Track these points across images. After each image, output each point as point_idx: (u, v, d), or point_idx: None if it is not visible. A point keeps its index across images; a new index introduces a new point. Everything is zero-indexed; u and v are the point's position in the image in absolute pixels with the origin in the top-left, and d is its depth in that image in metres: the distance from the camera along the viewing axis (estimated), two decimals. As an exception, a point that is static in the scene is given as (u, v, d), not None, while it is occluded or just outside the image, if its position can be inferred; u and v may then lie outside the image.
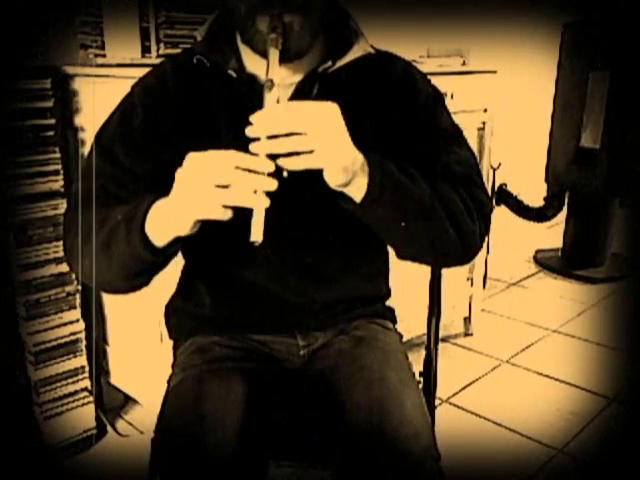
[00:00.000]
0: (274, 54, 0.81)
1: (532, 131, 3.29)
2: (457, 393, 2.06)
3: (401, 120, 0.95)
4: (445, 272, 1.17)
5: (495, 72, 2.22)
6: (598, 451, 1.76)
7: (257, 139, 0.74)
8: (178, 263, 1.00)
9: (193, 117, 0.93)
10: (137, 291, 0.93)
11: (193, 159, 0.76)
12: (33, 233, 1.56)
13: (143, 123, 0.93)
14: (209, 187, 0.74)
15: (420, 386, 1.07)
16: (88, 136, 1.66)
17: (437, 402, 1.81)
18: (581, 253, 3.18)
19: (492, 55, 2.69)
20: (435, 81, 1.02)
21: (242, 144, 0.75)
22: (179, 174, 0.77)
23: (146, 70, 0.99)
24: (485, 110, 2.22)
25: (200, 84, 0.94)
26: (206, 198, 0.74)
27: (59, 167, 1.59)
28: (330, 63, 0.92)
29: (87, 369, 1.73)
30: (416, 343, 1.96)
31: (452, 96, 2.04)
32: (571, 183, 3.10)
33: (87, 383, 1.73)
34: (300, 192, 0.86)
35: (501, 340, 2.43)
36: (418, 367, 1.11)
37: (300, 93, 0.92)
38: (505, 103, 2.48)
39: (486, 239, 0.97)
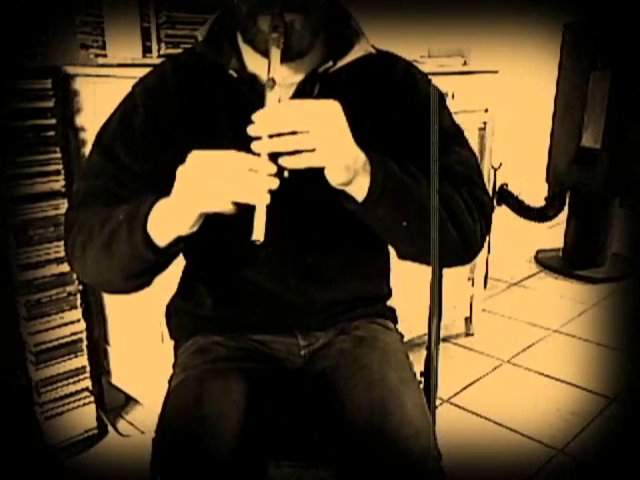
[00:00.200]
0: (275, 53, 0.82)
1: (533, 131, 3.29)
2: (458, 393, 2.06)
3: (402, 120, 0.95)
4: (446, 272, 1.16)
5: (496, 72, 2.22)
6: (598, 451, 1.76)
7: (259, 138, 0.75)
8: (179, 263, 1.00)
9: (194, 117, 0.93)
10: (138, 292, 0.93)
11: (195, 157, 0.77)
12: (34, 233, 1.57)
13: (144, 123, 0.93)
14: (213, 179, 0.74)
15: (421, 386, 1.07)
16: (89, 136, 1.66)
17: (438, 402, 1.81)
18: (582, 253, 3.18)
19: (493, 55, 2.69)
20: (436, 81, 1.02)
21: (243, 143, 0.75)
22: (180, 171, 0.78)
23: (147, 70, 0.99)
24: (486, 110, 2.22)
25: (201, 84, 0.94)
26: (212, 189, 0.75)
27: (60, 167, 1.59)
28: (331, 63, 0.92)
29: (88, 369, 1.73)
30: (417, 343, 1.96)
31: (453, 96, 2.04)
32: (572, 183, 3.10)
33: (88, 383, 1.73)
34: (301, 191, 0.86)
35: (502, 340, 2.43)
36: (419, 367, 1.11)
37: (301, 93, 0.92)
38: (506, 103, 2.48)
39: (487, 239, 0.97)
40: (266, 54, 0.83)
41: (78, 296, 1.67)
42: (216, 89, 0.93)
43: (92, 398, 1.75)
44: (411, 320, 1.69)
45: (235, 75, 0.92)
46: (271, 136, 0.74)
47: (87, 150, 0.97)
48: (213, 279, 1.03)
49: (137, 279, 0.89)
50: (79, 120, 1.69)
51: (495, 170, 2.52)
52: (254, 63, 0.93)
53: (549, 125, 3.14)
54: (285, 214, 0.82)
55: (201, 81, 0.94)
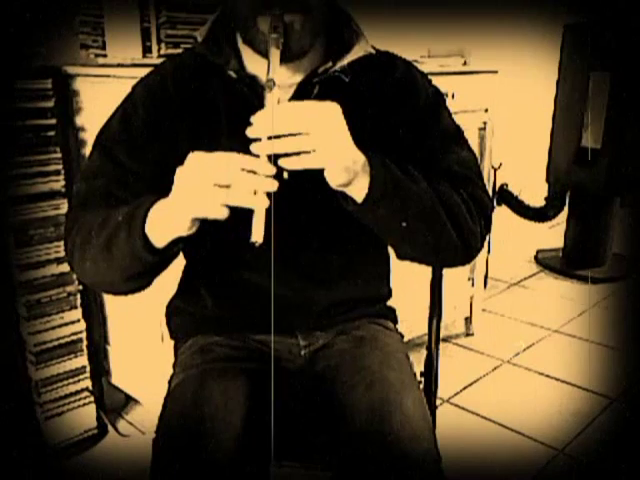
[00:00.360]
0: (275, 54, 0.81)
1: (533, 131, 3.28)
2: (458, 393, 2.06)
3: (402, 120, 0.95)
4: (446, 272, 1.17)
5: (496, 72, 2.22)
6: (599, 451, 1.76)
7: (258, 139, 0.74)
8: (179, 263, 1.00)
9: (194, 117, 0.93)
10: (138, 292, 0.93)
11: (194, 158, 0.76)
12: (34, 233, 1.57)
13: (144, 123, 0.93)
14: (209, 186, 0.74)
15: (421, 386, 1.07)
16: (89, 136, 1.66)
17: (438, 402, 1.81)
18: (582, 253, 3.18)
19: (493, 55, 2.69)
20: (436, 81, 1.02)
21: (243, 144, 0.75)
22: (179, 173, 0.77)
23: (147, 70, 0.99)
24: (486, 110, 2.22)
25: (201, 84, 0.94)
26: (205, 196, 0.74)
27: (60, 167, 1.59)
28: (330, 63, 0.92)
29: (88, 369, 1.73)
30: (417, 343, 1.96)
31: (453, 96, 2.04)
32: (572, 183, 3.10)
33: (88, 383, 1.73)
34: (301, 192, 0.86)
35: (502, 340, 2.43)
36: (419, 367, 1.11)
37: (301, 94, 0.92)
38: (506, 103, 2.47)
39: (487, 239, 0.97)
40: (265, 55, 0.83)
41: (78, 296, 1.68)
42: (216, 90, 0.93)
43: (92, 398, 1.75)
44: (411, 320, 1.69)
45: (234, 76, 0.92)
46: (270, 138, 0.74)
47: (87, 150, 0.98)
48: (213, 279, 1.03)
49: (136, 280, 0.89)
50: (79, 120, 1.69)
51: (495, 170, 2.51)
52: (253, 64, 0.93)
53: (549, 125, 3.14)
54: (285, 215, 0.82)
55: (201, 81, 0.94)
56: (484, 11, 2.81)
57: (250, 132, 0.75)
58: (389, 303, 1.14)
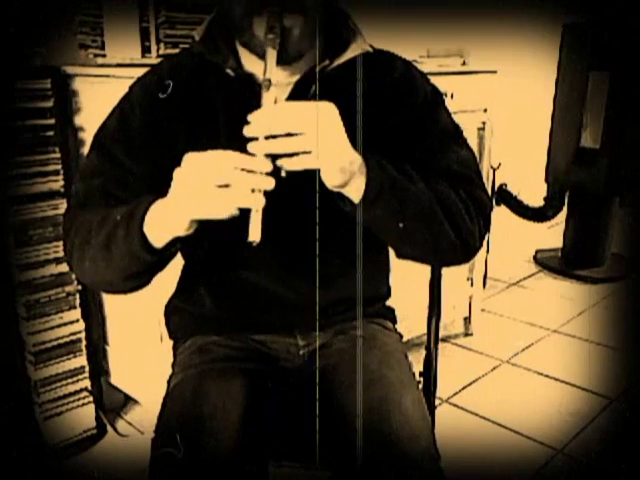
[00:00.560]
0: (272, 54, 0.81)
1: (532, 131, 3.29)
2: (457, 393, 2.06)
3: (400, 119, 0.94)
4: (445, 272, 1.16)
5: (495, 72, 2.22)
6: (598, 451, 1.76)
7: (255, 139, 0.74)
8: (178, 263, 1.00)
9: (191, 117, 0.93)
10: (137, 291, 0.93)
11: (191, 159, 0.76)
12: (33, 233, 1.56)
13: (141, 123, 0.93)
14: (207, 187, 0.74)
15: (420, 386, 1.07)
16: (88, 136, 1.66)
17: (437, 402, 1.81)
18: (581, 253, 3.18)
19: (492, 55, 2.69)
20: (435, 81, 1.02)
21: (240, 144, 0.75)
22: (177, 174, 0.77)
23: (146, 70, 0.99)
24: (485, 110, 2.22)
25: (198, 83, 0.94)
26: (203, 198, 0.74)
27: (59, 167, 1.59)
28: (328, 62, 0.92)
29: (87, 369, 1.73)
30: (416, 343, 1.96)
31: (452, 96, 2.04)
32: (571, 183, 3.10)
33: (87, 383, 1.73)
34: (298, 192, 0.85)
35: (501, 340, 2.43)
36: (418, 367, 1.11)
37: (298, 92, 0.92)
38: (505, 103, 2.48)
39: (486, 239, 0.97)
40: (262, 56, 0.82)
41: (77, 296, 1.67)
42: (213, 89, 0.93)
43: (91, 398, 1.75)
44: (410, 320, 1.69)
45: (232, 74, 0.92)
46: (267, 137, 0.74)
47: (86, 150, 0.97)
48: (212, 279, 1.03)
49: (135, 279, 0.89)
50: (78, 120, 1.69)
51: (494, 170, 2.51)
52: (251, 63, 0.93)
53: (548, 125, 3.14)
54: (282, 214, 0.82)
55: (198, 81, 0.94)
56: (483, 11, 2.81)
57: (247, 131, 0.75)
58: (388, 303, 1.14)
